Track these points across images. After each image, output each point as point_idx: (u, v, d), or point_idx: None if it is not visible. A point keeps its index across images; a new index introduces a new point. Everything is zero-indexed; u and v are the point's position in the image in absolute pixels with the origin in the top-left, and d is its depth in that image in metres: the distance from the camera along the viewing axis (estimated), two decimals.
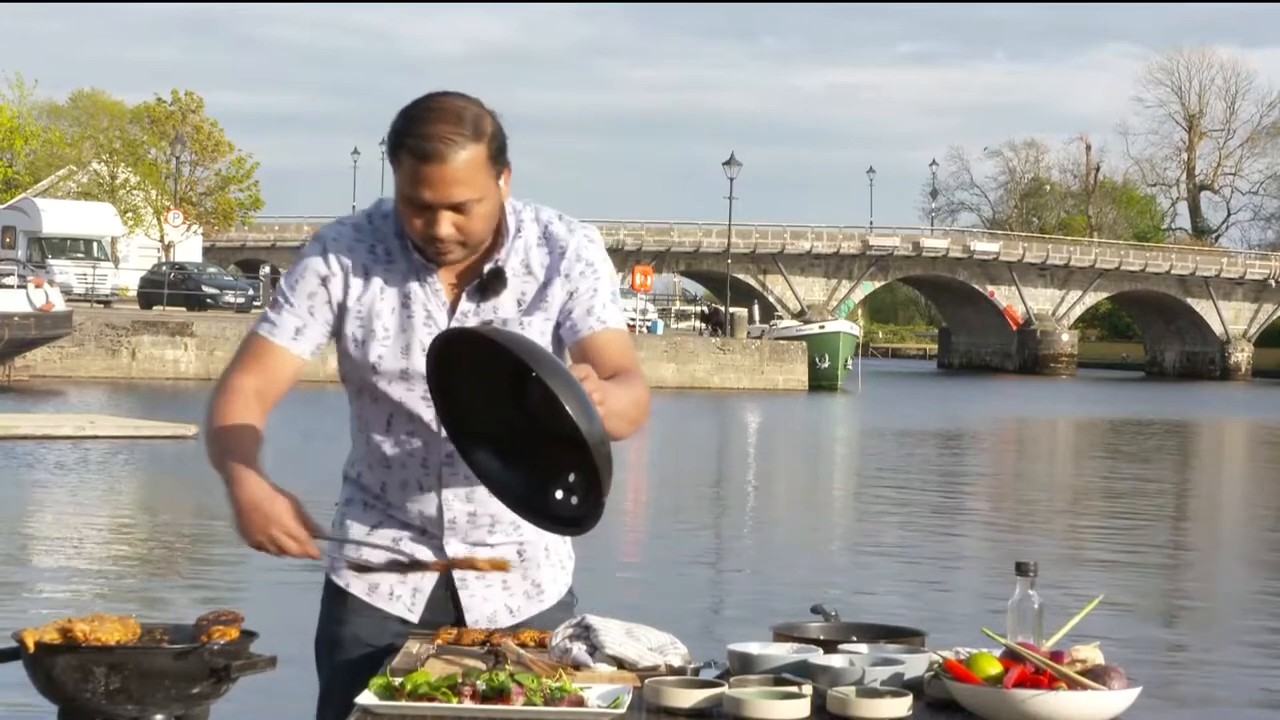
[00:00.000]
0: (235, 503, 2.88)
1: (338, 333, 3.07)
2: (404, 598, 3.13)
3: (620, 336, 3.06)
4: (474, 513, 3.09)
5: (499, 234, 3.02)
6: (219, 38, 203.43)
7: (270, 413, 3.05)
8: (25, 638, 2.83)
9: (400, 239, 3.03)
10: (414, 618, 3.12)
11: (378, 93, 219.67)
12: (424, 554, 3.11)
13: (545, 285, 3.03)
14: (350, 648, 3.11)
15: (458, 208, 2.89)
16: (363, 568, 3.03)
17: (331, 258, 3.05)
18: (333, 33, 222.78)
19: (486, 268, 3.01)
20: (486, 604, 3.13)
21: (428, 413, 3.02)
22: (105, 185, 64.48)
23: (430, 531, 3.11)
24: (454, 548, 3.10)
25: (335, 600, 3.17)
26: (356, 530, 3.15)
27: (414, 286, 3.02)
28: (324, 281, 3.04)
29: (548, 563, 3.18)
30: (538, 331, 3.01)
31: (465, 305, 3.02)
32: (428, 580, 3.13)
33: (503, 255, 3.02)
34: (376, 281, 3.03)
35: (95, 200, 61.52)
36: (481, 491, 3.02)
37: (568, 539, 3.21)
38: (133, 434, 23.77)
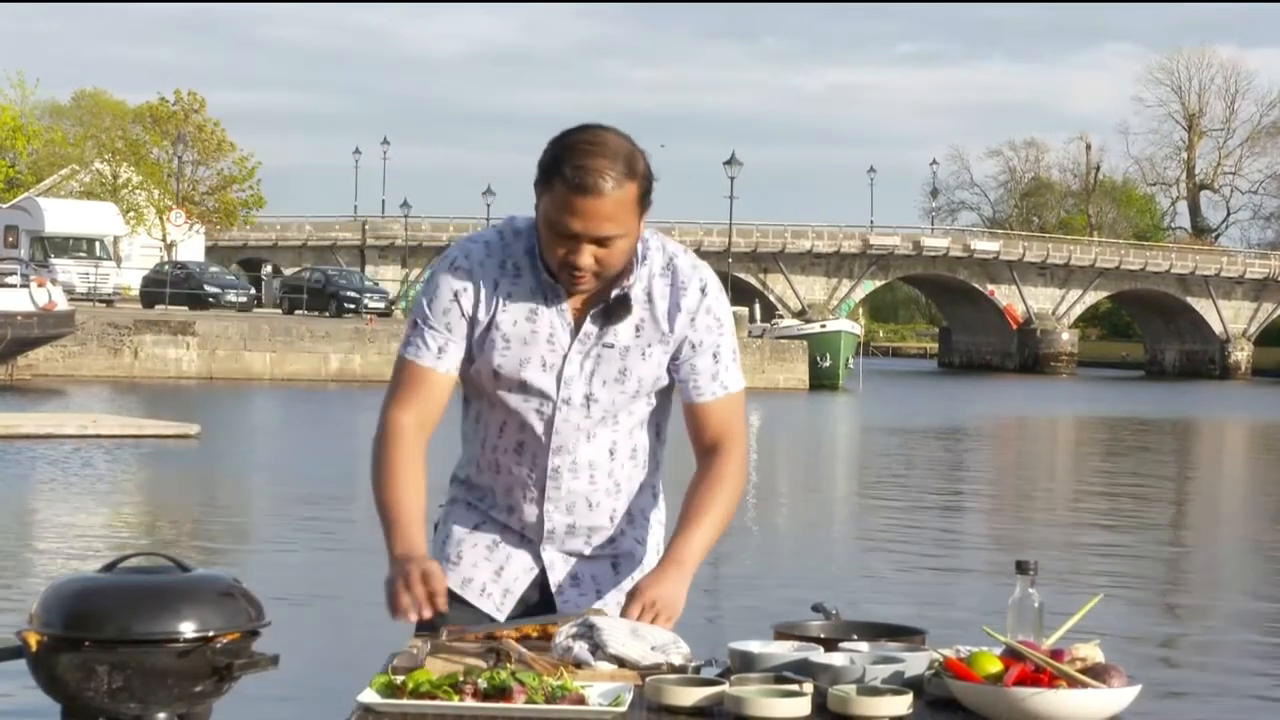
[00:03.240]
0: (390, 556, 3.00)
1: (470, 340, 3.12)
2: (494, 596, 3.20)
3: (734, 401, 3.18)
4: (573, 524, 3.17)
5: (629, 263, 3.06)
6: (220, 38, 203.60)
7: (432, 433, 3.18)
8: (28, 637, 2.84)
9: (530, 256, 3.08)
10: (501, 617, 3.18)
11: (378, 93, 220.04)
12: (521, 557, 3.21)
13: (666, 317, 3.09)
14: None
15: (601, 241, 2.95)
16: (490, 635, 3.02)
17: (462, 273, 3.11)
18: (333, 33, 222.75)
19: (614, 293, 3.06)
20: (580, 610, 3.16)
21: (539, 425, 3.11)
22: (108, 185, 64.49)
23: (529, 537, 3.20)
24: (549, 554, 3.20)
25: None
26: (458, 531, 3.25)
27: (540, 304, 3.08)
28: (456, 296, 3.10)
29: (639, 574, 3.22)
30: (655, 362, 3.10)
31: (589, 328, 3.08)
32: (519, 582, 3.20)
33: (630, 283, 3.07)
34: (504, 295, 3.09)
35: (98, 200, 61.52)
36: (581, 506, 3.15)
37: (660, 550, 3.27)
38: (135, 433, 23.78)
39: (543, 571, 3.21)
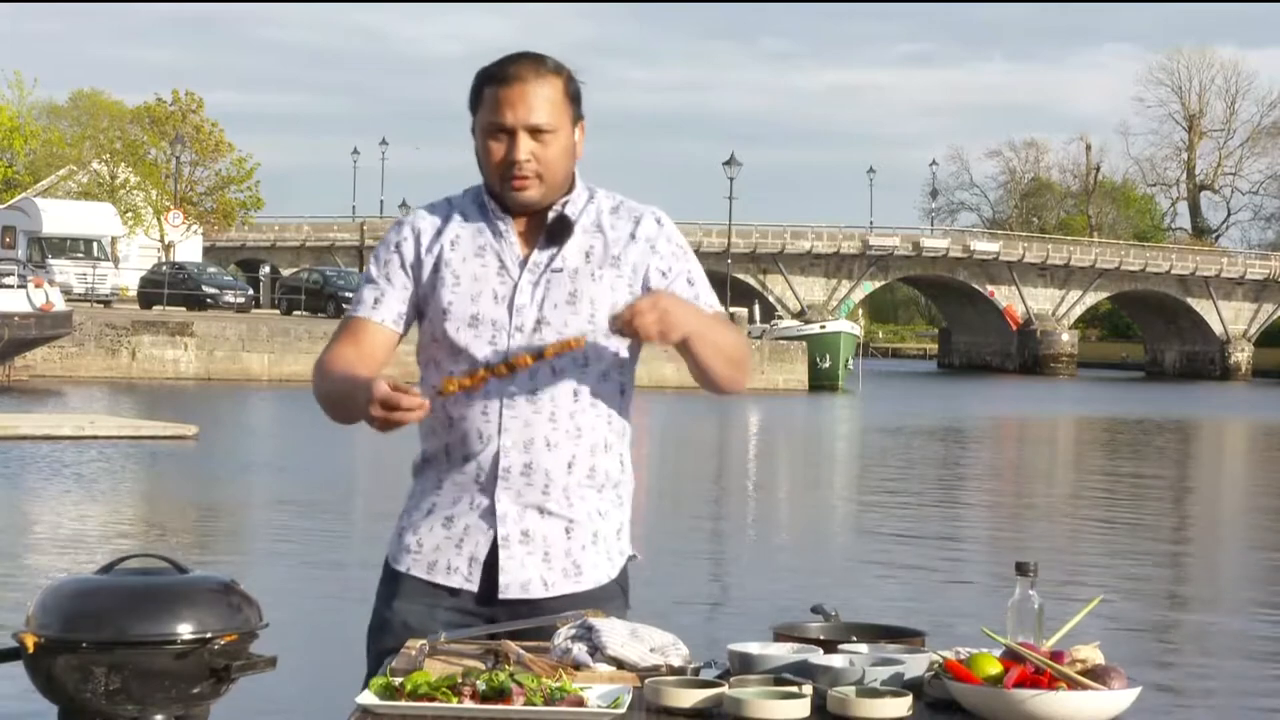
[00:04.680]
0: (351, 398, 3.00)
1: (417, 292, 3.19)
2: (461, 569, 3.17)
3: (725, 319, 3.22)
4: (529, 464, 3.12)
5: (570, 187, 3.16)
6: (219, 38, 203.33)
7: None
8: (25, 638, 2.83)
9: (478, 205, 3.19)
10: (471, 588, 3.16)
11: (377, 93, 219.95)
12: (475, 521, 3.16)
13: (620, 242, 3.16)
14: (398, 633, 3.11)
15: (535, 132, 3.06)
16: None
17: (407, 228, 3.24)
18: (332, 32, 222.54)
19: (551, 214, 3.14)
20: (524, 570, 3.15)
21: (494, 357, 3.12)
22: (105, 185, 64.45)
23: (485, 486, 3.14)
24: (504, 505, 3.14)
25: (389, 584, 3.22)
26: (414, 516, 3.21)
27: (489, 238, 3.17)
28: (398, 247, 3.22)
29: (593, 548, 3.20)
30: (608, 286, 3.14)
31: (537, 257, 3.15)
32: (481, 547, 3.16)
33: (572, 202, 3.16)
34: (451, 236, 3.19)
35: (95, 200, 61.50)
36: (539, 446, 3.12)
37: (623, 534, 3.25)
38: (133, 434, 23.78)
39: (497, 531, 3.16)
